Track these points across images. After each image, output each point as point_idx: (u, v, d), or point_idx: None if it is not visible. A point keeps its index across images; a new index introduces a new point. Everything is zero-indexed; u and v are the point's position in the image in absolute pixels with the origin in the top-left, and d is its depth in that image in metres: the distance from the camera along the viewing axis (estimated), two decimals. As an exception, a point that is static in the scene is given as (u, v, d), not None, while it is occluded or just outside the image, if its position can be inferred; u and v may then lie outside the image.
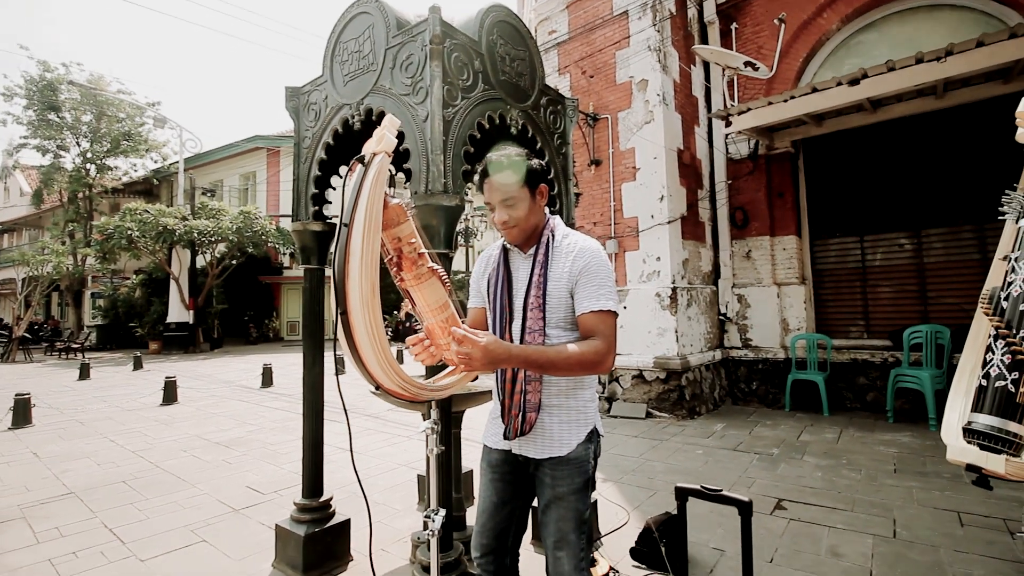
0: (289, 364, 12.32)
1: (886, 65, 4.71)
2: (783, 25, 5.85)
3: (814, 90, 5.01)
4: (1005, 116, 2.79)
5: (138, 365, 12.73)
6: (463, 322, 1.36)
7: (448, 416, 2.08)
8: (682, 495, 2.46)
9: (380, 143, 1.17)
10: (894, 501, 3.37)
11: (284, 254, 20.37)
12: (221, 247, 17.64)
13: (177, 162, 19.21)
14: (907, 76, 4.76)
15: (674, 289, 5.96)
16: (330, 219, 2.85)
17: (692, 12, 6.86)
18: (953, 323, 5.55)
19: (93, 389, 9.44)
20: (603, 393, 6.33)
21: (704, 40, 6.78)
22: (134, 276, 19.90)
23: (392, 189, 1.26)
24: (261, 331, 20.68)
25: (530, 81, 2.74)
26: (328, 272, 1.26)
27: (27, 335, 17.82)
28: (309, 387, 2.79)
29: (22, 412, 6.24)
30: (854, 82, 4.98)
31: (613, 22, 6.43)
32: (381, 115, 2.38)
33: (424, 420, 1.45)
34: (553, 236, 1.53)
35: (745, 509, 2.14)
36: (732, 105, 5.55)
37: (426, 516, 1.37)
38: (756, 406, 6.50)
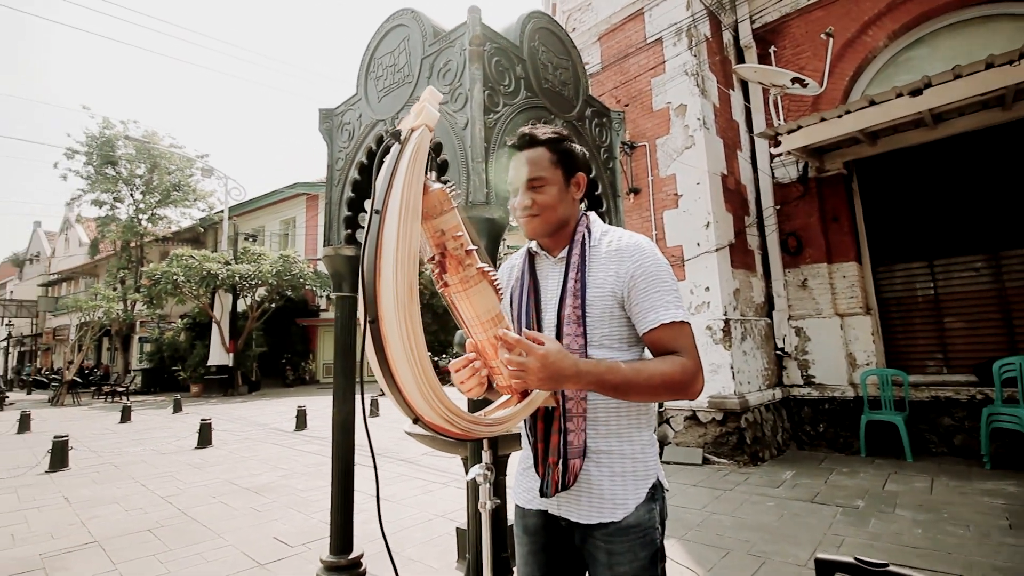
0: (324, 406, 12.18)
1: (952, 72, 4.36)
2: (831, 39, 5.59)
3: (871, 103, 4.68)
4: None
5: (177, 408, 12.82)
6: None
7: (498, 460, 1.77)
8: (827, 570, 1.96)
9: (419, 116, 0.95)
10: (1021, 564, 2.81)
11: (321, 296, 20.67)
12: (261, 291, 18.03)
13: (222, 210, 20.02)
14: (976, 83, 4.39)
15: (727, 321, 5.54)
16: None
17: (728, 37, 6.71)
18: (1052, 354, 4.92)
19: (132, 432, 9.46)
20: (652, 435, 5.84)
21: (741, 64, 6.58)
22: (179, 320, 20.50)
23: (433, 174, 1.03)
24: (298, 373, 20.79)
25: (574, 91, 2.55)
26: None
27: (77, 379, 18.39)
28: (339, 427, 2.53)
29: (59, 455, 6.20)
30: (916, 92, 4.64)
31: (647, 49, 6.32)
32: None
33: (470, 466, 1.16)
34: (589, 234, 1.25)
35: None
36: (779, 124, 5.26)
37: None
38: (826, 451, 5.88)
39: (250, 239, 20.54)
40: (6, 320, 30.15)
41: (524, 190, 1.21)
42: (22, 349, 34.12)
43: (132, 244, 21.74)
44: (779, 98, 5.67)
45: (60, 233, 33.89)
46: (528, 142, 1.21)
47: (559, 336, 1.17)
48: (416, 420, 0.90)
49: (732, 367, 5.45)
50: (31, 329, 32.92)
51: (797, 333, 6.37)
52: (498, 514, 1.46)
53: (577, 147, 1.27)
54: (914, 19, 5.88)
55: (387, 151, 0.99)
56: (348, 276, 2.64)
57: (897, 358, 6.03)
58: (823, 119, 4.93)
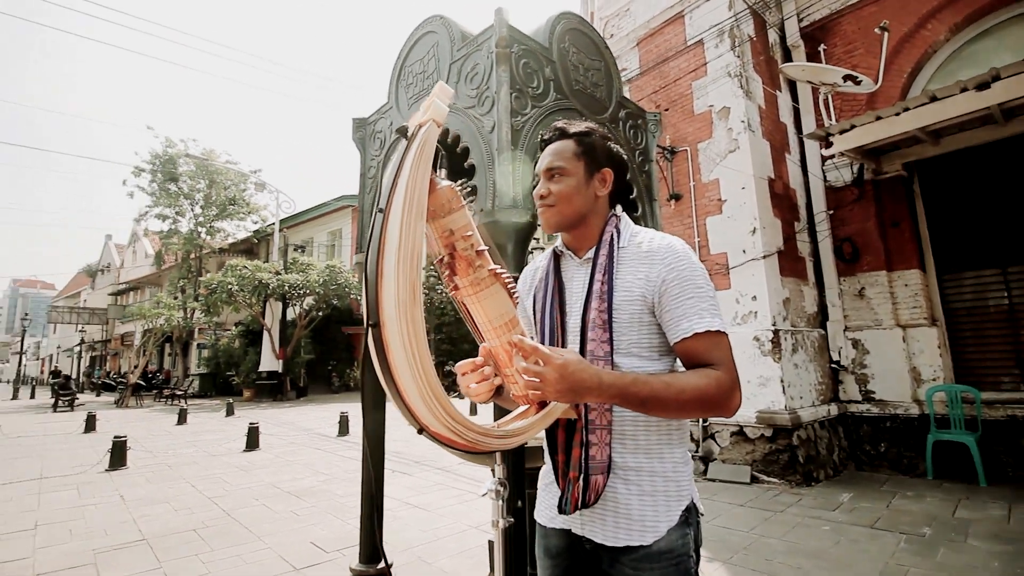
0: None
1: (1026, 63, 4.01)
2: (886, 33, 5.27)
3: (933, 99, 4.36)
4: None
5: (230, 412, 13.35)
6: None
7: (520, 474, 1.70)
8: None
9: (427, 111, 0.92)
10: (1122, 610, 2.49)
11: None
12: (309, 300, 18.65)
13: (274, 223, 20.91)
14: (1056, 74, 4.02)
15: (776, 332, 5.27)
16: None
17: (773, 36, 6.46)
18: None
19: (187, 434, 9.90)
20: (696, 452, 5.60)
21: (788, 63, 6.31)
22: (234, 328, 21.45)
23: (443, 172, 0.98)
24: (343, 380, 21.33)
25: (607, 92, 2.48)
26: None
27: (141, 383, 19.51)
28: (370, 435, 2.52)
29: (118, 455, 6.54)
30: (982, 86, 4.29)
31: (687, 52, 6.16)
32: (445, 135, 2.20)
33: (493, 476, 1.10)
34: (618, 234, 1.17)
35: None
36: (830, 124, 4.98)
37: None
38: (887, 472, 5.46)
39: (299, 250, 21.35)
40: (79, 327, 32.39)
41: (544, 180, 1.18)
42: (93, 354, 36.57)
43: (192, 255, 22.99)
44: (830, 98, 5.38)
45: (128, 245, 36.27)
46: (558, 135, 1.20)
47: (583, 342, 1.10)
48: (421, 430, 0.85)
49: (782, 380, 5.16)
50: (101, 335, 35.28)
51: (854, 345, 5.99)
52: (520, 532, 1.40)
53: (611, 144, 1.21)
54: (978, 10, 5.48)
55: (395, 149, 0.96)
56: (379, 283, 2.65)
57: (967, 373, 5.56)
58: (879, 118, 4.64)
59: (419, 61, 2.43)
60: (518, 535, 1.40)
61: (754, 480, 5.08)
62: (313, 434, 9.70)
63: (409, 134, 0.91)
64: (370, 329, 0.83)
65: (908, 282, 5.83)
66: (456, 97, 2.18)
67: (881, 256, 5.92)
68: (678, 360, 1.12)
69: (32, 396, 22.94)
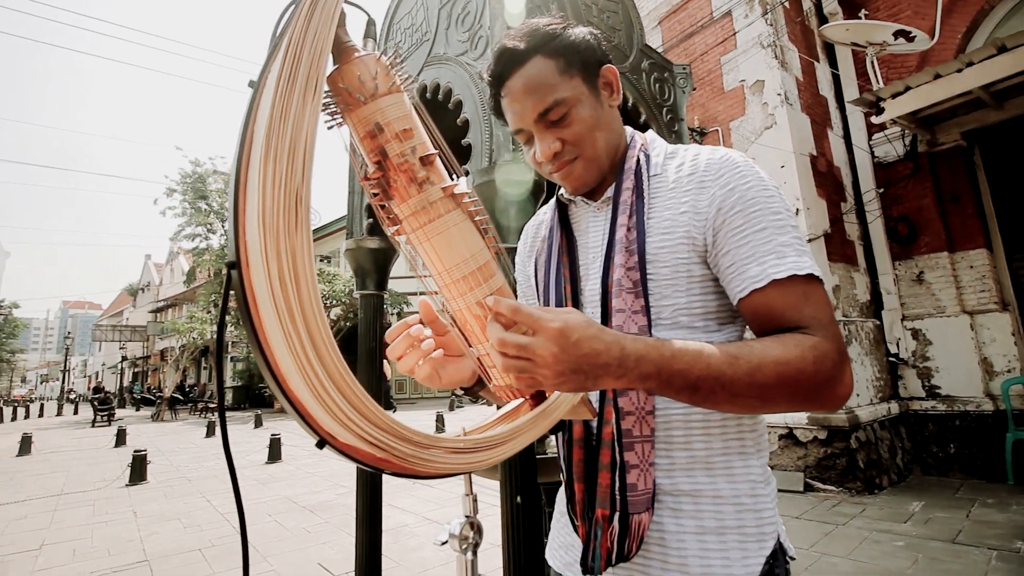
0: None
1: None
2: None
3: (1002, 49, 3.82)
4: None
5: (258, 423, 13.34)
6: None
7: (532, 492, 1.33)
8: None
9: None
10: None
11: (392, 315, 21.12)
12: (336, 310, 18.67)
13: (299, 235, 21.09)
14: None
15: (824, 322, 4.76)
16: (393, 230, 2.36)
17: (807, 4, 5.96)
18: None
19: (214, 446, 9.84)
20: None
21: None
22: (263, 340, 21.68)
23: (372, 43, 0.65)
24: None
25: (626, 38, 2.12)
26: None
27: (178, 396, 19.86)
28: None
29: (138, 470, 6.43)
30: (1063, 34, 3.75)
31: (713, 25, 5.73)
32: (436, 90, 1.87)
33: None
34: (647, 159, 0.80)
35: None
36: (880, 88, 4.47)
37: None
38: (960, 476, 4.86)
39: (325, 260, 21.46)
40: (121, 344, 33.47)
41: (541, 132, 0.76)
42: (135, 370, 37.75)
43: (222, 271, 23.42)
44: (876, 61, 4.86)
45: (166, 264, 37.42)
46: (510, 59, 0.75)
47: (606, 314, 0.75)
48: (322, 443, 0.51)
49: (835, 376, 4.64)
50: (142, 351, 36.41)
51: (914, 336, 5.40)
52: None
53: (580, 31, 0.79)
54: (1044, -44, 4.90)
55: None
56: (373, 272, 2.34)
57: (1049, 363, 4.92)
58: (938, 76, 4.11)
59: (408, 15, 2.12)
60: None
61: (808, 488, 4.56)
62: (337, 444, 9.50)
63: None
64: (229, 273, 0.49)
65: (973, 263, 5.23)
66: (448, 46, 1.86)
67: (941, 236, 5.34)
68: (748, 331, 0.75)
69: (76, 412, 23.68)
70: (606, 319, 0.75)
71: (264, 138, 0.49)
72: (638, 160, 0.80)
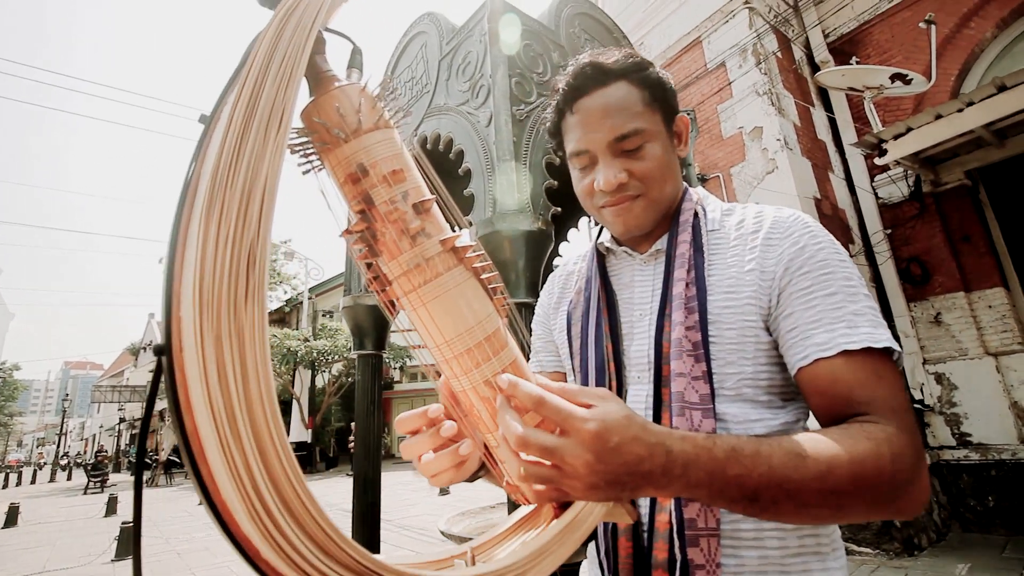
0: (396, 484, 11.69)
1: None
2: (932, 27, 4.84)
3: (1002, 88, 3.83)
4: None
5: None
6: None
7: None
8: None
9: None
10: None
11: (395, 368, 20.80)
12: (338, 366, 18.39)
13: (303, 291, 21.14)
14: None
15: (844, 368, 4.56)
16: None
17: (799, 54, 6.12)
18: None
19: (206, 514, 9.38)
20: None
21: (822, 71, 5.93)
22: (263, 398, 21.29)
23: (356, 72, 0.55)
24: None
25: (630, 85, 2.08)
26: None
27: (174, 459, 19.24)
28: (358, 518, 2.01)
29: (126, 543, 6.07)
30: (1060, 73, 3.77)
31: (708, 76, 5.85)
32: (436, 140, 1.81)
33: None
34: (705, 212, 0.74)
35: None
36: (881, 131, 4.49)
37: None
38: (1004, 533, 4.51)
39: (327, 315, 21.38)
40: (119, 405, 32.92)
41: (609, 159, 0.69)
42: (133, 431, 36.96)
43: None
44: (872, 108, 4.92)
45: (169, 322, 37.40)
46: (594, 76, 0.69)
47: (658, 378, 0.64)
48: (248, 559, 0.36)
49: (860, 426, 4.40)
50: (141, 412, 35.78)
51: (938, 380, 5.18)
52: None
53: (665, 73, 0.75)
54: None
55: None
56: (371, 331, 2.21)
57: (1085, 406, 4.68)
58: (939, 116, 4.12)
59: (408, 68, 2.10)
60: None
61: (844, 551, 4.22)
62: (337, 510, 9.05)
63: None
64: (159, 359, 0.37)
65: (992, 303, 5.08)
66: (448, 96, 1.81)
67: (956, 276, 5.22)
68: (811, 415, 0.63)
69: (69, 478, 22.99)
70: (659, 385, 0.64)
71: (210, 183, 0.38)
72: (695, 213, 0.73)
